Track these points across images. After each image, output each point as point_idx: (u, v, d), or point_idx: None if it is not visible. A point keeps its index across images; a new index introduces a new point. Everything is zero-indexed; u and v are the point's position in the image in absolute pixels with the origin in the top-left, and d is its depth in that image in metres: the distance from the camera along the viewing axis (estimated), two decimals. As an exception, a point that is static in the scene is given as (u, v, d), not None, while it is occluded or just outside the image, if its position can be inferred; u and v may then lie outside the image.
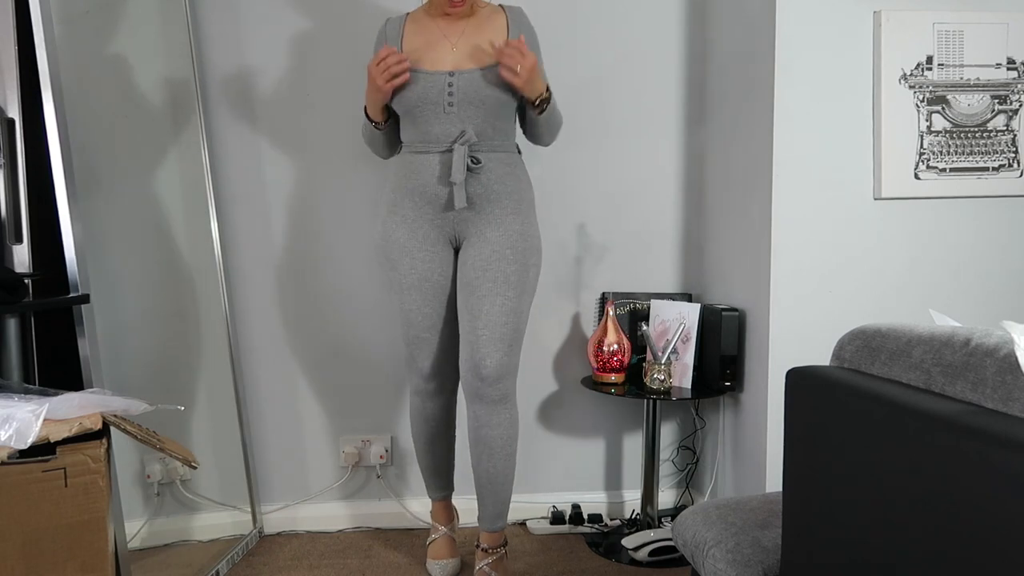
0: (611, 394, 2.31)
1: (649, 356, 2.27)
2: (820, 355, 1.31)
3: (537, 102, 1.90)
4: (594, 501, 2.55)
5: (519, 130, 2.07)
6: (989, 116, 2.10)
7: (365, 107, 1.96)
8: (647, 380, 2.27)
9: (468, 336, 1.89)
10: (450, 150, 1.87)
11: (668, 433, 2.57)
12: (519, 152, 2.00)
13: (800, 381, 1.18)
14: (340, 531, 2.45)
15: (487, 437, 1.92)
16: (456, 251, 1.97)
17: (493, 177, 1.91)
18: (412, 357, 2.01)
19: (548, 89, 1.92)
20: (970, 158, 2.10)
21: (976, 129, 2.10)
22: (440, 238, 1.94)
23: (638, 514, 2.43)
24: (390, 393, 2.49)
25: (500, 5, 2.01)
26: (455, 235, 1.95)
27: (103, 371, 1.74)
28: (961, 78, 2.08)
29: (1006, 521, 0.80)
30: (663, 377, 2.25)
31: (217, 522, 2.37)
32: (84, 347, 1.68)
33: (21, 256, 1.71)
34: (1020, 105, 2.11)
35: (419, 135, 1.91)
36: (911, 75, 2.06)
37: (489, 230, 1.91)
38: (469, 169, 1.86)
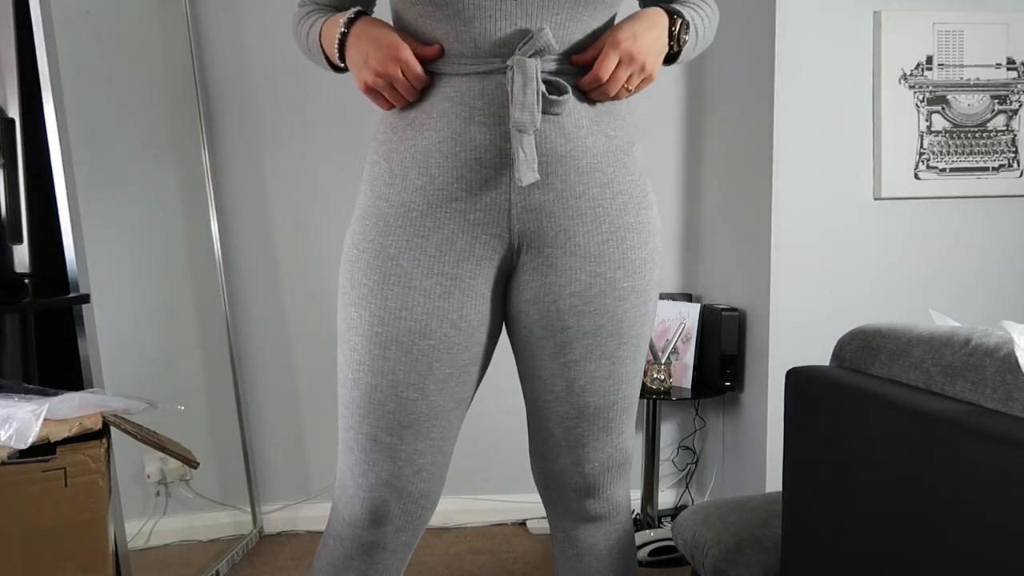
0: (611, 394, 2.31)
1: (649, 356, 2.27)
2: (820, 355, 1.31)
3: (676, 47, 1.07)
4: (594, 501, 2.55)
5: None
6: (989, 116, 2.10)
7: (323, 46, 1.12)
8: (647, 380, 2.27)
9: (549, 425, 1.13)
10: (504, 68, 0.99)
11: (668, 433, 2.57)
12: None
13: (800, 381, 1.18)
14: (340, 531, 2.46)
15: (591, 571, 1.20)
16: (506, 277, 1.10)
17: (584, 123, 1.03)
18: (351, 475, 1.12)
19: (674, 23, 1.06)
20: (970, 158, 2.10)
21: (976, 129, 2.10)
22: (474, 252, 1.04)
23: (638, 514, 2.43)
24: (390, 393, 2.50)
25: None
26: (511, 243, 1.05)
27: (103, 371, 1.74)
28: (961, 78, 2.08)
29: (1006, 520, 0.80)
30: (663, 377, 2.25)
31: (217, 522, 2.37)
32: (84, 347, 1.68)
33: (21, 256, 1.71)
34: (1020, 105, 2.11)
35: (444, 41, 1.01)
36: (911, 75, 2.06)
37: (580, 231, 1.05)
38: (546, 110, 0.99)
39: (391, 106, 1.05)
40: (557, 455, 1.15)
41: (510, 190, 1.02)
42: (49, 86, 1.65)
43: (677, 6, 1.10)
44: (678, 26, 1.06)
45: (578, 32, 1.02)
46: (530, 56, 0.97)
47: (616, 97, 1.04)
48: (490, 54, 0.99)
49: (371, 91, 1.04)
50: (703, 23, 1.12)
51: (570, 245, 1.05)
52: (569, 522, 1.20)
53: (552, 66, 1.01)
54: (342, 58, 1.07)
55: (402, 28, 1.06)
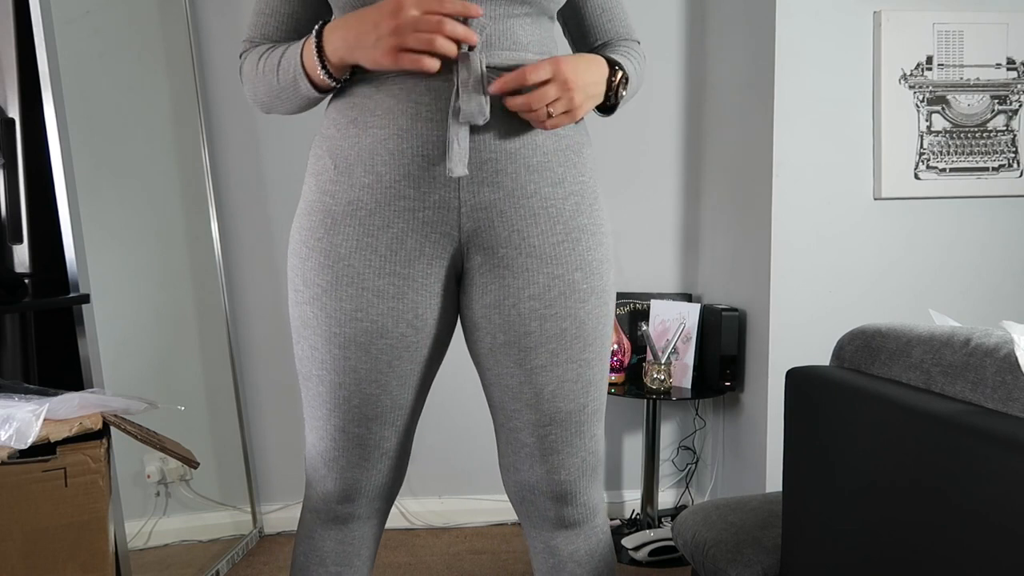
0: (611, 394, 2.31)
1: (649, 356, 2.27)
2: (820, 355, 1.31)
3: (613, 99, 1.10)
4: (594, 501, 2.55)
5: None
6: (989, 116, 2.10)
7: (301, 53, 1.02)
8: (647, 380, 2.27)
9: (520, 435, 1.12)
10: (450, 65, 0.98)
11: (668, 433, 2.57)
12: None
13: (800, 381, 1.18)
14: (340, 531, 2.45)
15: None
16: (457, 277, 1.10)
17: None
18: (322, 460, 1.14)
19: (615, 74, 1.08)
20: (970, 158, 2.10)
21: (976, 129, 2.10)
22: (424, 251, 1.04)
23: (638, 514, 2.43)
24: (390, 393, 2.49)
25: None
26: (461, 242, 1.05)
27: (103, 371, 1.74)
28: (961, 78, 2.08)
29: (1006, 520, 0.80)
30: (663, 377, 2.25)
31: (217, 522, 2.37)
32: (84, 347, 1.68)
33: (21, 256, 1.71)
34: (1020, 105, 2.11)
35: None
36: (911, 75, 2.07)
37: (534, 232, 1.05)
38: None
39: (441, 62, 0.95)
40: (531, 465, 1.13)
41: (459, 188, 1.01)
42: (49, 86, 1.64)
43: (616, 56, 1.11)
44: (618, 78, 1.08)
45: (517, 27, 1.02)
46: (468, 50, 0.96)
47: (538, 119, 1.00)
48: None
49: (406, 56, 0.94)
50: (636, 78, 1.15)
51: (525, 246, 1.04)
52: (547, 532, 1.17)
53: (497, 61, 1.00)
54: (327, 71, 1.00)
55: None
